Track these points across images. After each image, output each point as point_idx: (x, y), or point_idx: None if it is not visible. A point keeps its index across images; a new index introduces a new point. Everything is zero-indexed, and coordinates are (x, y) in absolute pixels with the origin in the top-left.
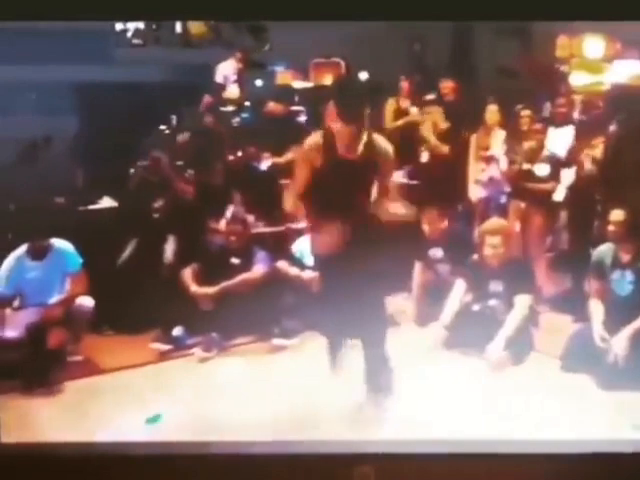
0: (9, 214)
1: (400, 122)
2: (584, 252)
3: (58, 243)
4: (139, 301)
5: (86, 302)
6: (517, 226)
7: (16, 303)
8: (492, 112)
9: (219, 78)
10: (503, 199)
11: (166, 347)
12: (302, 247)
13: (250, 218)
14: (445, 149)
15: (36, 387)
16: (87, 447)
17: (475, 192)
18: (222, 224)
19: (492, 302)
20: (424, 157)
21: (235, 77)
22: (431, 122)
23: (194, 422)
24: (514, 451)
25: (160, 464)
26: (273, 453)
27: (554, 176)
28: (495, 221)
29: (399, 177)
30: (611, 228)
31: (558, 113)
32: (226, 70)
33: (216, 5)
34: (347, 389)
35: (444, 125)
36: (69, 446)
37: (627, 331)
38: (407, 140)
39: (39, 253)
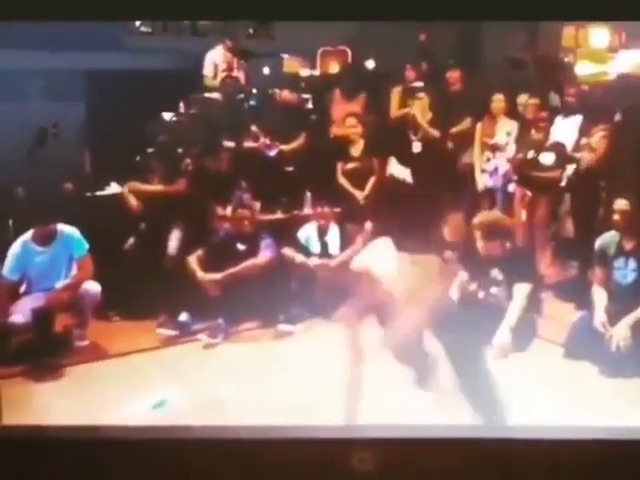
0: (17, 199)
1: (406, 110)
2: (588, 240)
3: (64, 228)
4: (145, 287)
5: (92, 287)
6: (523, 215)
7: (23, 288)
8: (498, 101)
9: (208, 66)
10: (509, 188)
11: (172, 333)
12: (308, 234)
13: (256, 205)
14: (436, 134)
15: (42, 371)
16: (91, 431)
17: (481, 181)
18: (229, 210)
19: (493, 290)
20: (416, 147)
21: (225, 65)
22: (421, 109)
23: (199, 407)
24: (515, 436)
25: (163, 448)
26: (274, 438)
27: (559, 165)
28: (488, 214)
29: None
30: (615, 217)
31: (564, 102)
32: (215, 58)
33: (221, 4)
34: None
35: (430, 115)
36: (73, 430)
37: (629, 319)
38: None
39: (45, 238)
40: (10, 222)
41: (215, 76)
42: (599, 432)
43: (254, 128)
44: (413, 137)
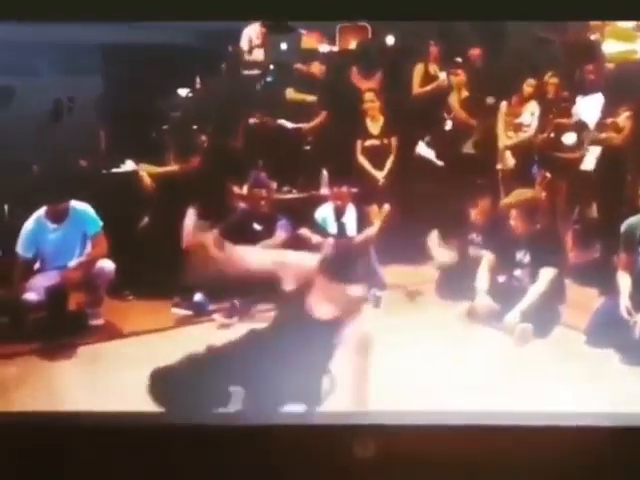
0: (32, 175)
1: (428, 88)
2: (613, 224)
3: (77, 205)
4: (160, 266)
5: (107, 265)
6: (544, 196)
7: (36, 266)
8: (530, 85)
9: (244, 42)
10: (532, 169)
11: (186, 312)
12: (325, 214)
13: (273, 184)
14: (467, 118)
15: (56, 350)
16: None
17: (505, 161)
18: (245, 189)
19: (517, 272)
20: (447, 126)
21: (259, 41)
22: (457, 89)
23: None
24: (534, 424)
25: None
26: (275, 424)
27: (582, 145)
28: (520, 192)
29: (423, 147)
30: None
31: (589, 81)
32: (251, 34)
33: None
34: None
35: (467, 93)
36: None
37: None
38: (434, 106)
39: (59, 215)
40: (6, 207)
41: (250, 51)
42: (620, 419)
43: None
44: (446, 116)
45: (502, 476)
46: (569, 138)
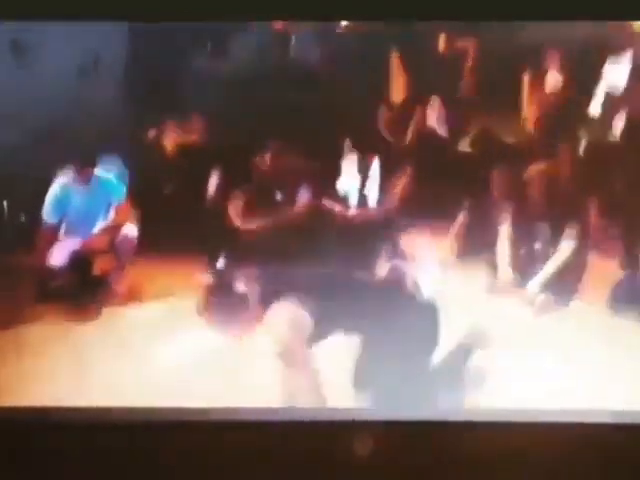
0: (56, 139)
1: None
2: (637, 195)
3: (101, 172)
4: (183, 232)
5: (130, 231)
6: (566, 167)
7: (61, 232)
8: (552, 54)
9: None
10: (554, 139)
11: (209, 278)
12: (347, 184)
13: (295, 152)
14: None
15: (81, 313)
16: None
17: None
18: (267, 158)
19: (537, 245)
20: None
21: None
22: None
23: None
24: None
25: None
26: (273, 420)
27: (607, 115)
28: (542, 163)
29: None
30: None
31: (613, 48)
32: None
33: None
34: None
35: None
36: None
37: None
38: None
39: (83, 181)
40: (5, 203)
41: None
42: None
43: None
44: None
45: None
46: (594, 107)
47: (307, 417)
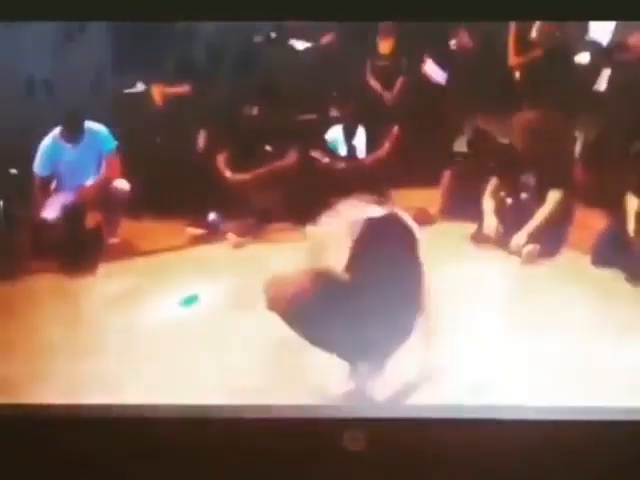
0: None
1: None
2: (623, 145)
3: (92, 125)
4: (174, 186)
5: (122, 185)
6: (551, 117)
7: (53, 185)
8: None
9: None
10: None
11: (200, 231)
12: (335, 136)
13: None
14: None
15: (76, 267)
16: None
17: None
18: (256, 110)
19: (523, 195)
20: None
21: None
22: None
23: (230, 303)
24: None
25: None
26: (262, 417)
27: (595, 65)
28: (526, 112)
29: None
30: None
31: None
32: None
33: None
34: None
35: None
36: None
37: None
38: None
39: (74, 135)
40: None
41: None
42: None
43: None
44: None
45: None
46: (582, 57)
47: (303, 415)
